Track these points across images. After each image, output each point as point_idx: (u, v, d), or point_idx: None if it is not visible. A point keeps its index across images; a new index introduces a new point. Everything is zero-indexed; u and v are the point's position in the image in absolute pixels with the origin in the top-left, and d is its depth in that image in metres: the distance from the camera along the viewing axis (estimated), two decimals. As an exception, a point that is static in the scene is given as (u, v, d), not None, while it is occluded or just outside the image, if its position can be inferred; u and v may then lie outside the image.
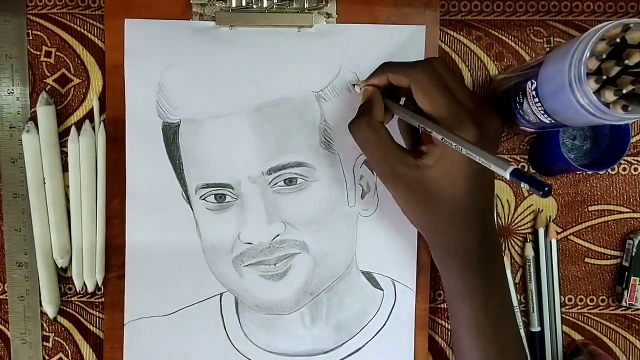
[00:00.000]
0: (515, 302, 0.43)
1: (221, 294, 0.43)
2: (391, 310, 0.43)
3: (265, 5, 0.41)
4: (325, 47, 0.41)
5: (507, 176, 0.27)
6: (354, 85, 0.41)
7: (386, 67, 0.37)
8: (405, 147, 0.37)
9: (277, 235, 0.41)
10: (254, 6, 0.41)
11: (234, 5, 0.41)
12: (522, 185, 0.27)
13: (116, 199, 0.42)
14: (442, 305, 0.44)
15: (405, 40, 0.42)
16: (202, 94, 0.41)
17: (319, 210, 0.42)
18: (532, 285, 0.43)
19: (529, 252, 0.43)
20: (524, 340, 0.43)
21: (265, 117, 0.41)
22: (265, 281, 0.42)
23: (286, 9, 0.41)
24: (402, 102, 0.39)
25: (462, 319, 0.36)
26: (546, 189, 0.25)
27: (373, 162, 0.36)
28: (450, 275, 0.36)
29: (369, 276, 0.43)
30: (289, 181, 0.41)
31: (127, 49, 0.41)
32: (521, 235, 0.44)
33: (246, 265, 0.42)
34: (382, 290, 0.43)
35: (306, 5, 0.41)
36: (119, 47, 0.41)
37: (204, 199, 0.42)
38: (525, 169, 0.43)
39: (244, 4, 0.41)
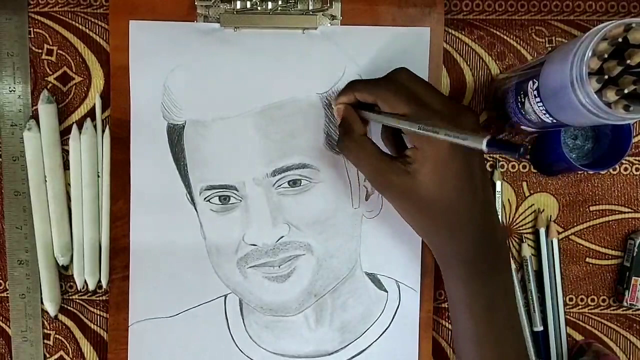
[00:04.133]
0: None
1: (225, 296, 0.43)
2: (395, 312, 0.43)
3: (269, 7, 0.41)
4: (330, 49, 0.42)
5: (484, 147, 0.27)
6: (330, 104, 0.41)
7: (353, 85, 0.37)
8: (392, 155, 0.37)
9: (282, 237, 0.41)
10: (259, 8, 0.41)
11: (238, 7, 0.41)
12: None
13: (121, 200, 0.42)
14: (443, 305, 0.44)
15: (410, 42, 0.42)
16: (207, 96, 0.41)
17: (323, 211, 0.42)
18: (532, 285, 0.43)
19: (526, 252, 0.43)
20: (529, 342, 0.43)
21: (270, 118, 0.41)
22: (269, 283, 0.42)
23: (291, 11, 0.41)
24: None
25: (464, 328, 0.36)
26: (521, 149, 0.26)
27: (367, 176, 0.37)
28: (452, 282, 0.36)
29: (373, 278, 0.43)
30: (293, 183, 0.41)
31: (132, 50, 0.41)
32: (523, 235, 0.44)
33: (250, 267, 0.42)
34: (387, 291, 0.43)
35: (311, 7, 0.41)
36: (124, 48, 0.41)
37: (209, 200, 0.42)
38: (527, 169, 0.44)
39: (248, 5, 0.41)
